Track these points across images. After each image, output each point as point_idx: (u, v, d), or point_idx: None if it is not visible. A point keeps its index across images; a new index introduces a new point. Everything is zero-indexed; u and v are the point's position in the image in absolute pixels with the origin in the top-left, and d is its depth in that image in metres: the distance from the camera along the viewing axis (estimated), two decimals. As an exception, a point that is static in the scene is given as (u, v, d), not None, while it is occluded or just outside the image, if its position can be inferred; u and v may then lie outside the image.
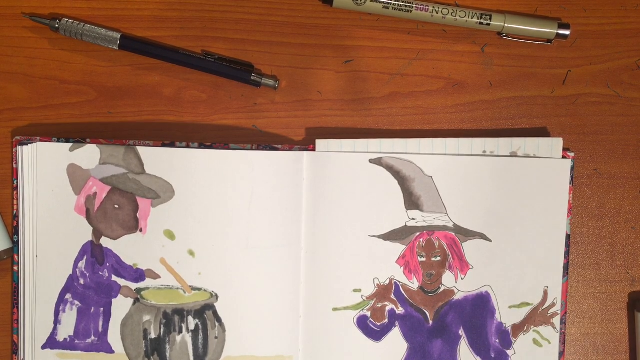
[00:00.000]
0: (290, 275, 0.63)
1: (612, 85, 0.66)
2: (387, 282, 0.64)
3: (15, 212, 0.63)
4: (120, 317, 0.63)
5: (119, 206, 0.63)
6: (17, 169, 0.63)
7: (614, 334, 0.67)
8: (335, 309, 0.63)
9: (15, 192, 0.63)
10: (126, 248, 0.63)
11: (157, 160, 0.63)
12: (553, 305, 0.64)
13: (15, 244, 0.63)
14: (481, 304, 0.64)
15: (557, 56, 0.66)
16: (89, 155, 0.63)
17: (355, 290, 0.64)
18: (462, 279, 0.64)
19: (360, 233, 0.63)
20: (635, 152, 0.66)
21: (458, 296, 0.64)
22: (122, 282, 0.63)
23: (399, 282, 0.64)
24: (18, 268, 0.63)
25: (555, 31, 0.65)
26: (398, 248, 0.64)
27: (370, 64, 0.66)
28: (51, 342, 0.63)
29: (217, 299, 0.63)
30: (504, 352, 0.64)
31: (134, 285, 0.63)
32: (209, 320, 0.63)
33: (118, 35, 0.64)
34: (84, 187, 0.63)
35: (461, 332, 0.64)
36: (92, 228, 0.63)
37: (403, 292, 0.64)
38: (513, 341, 0.64)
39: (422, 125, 0.66)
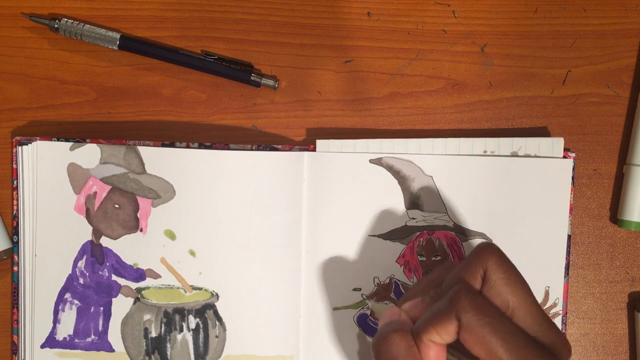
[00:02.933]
0: (290, 275, 0.63)
1: (612, 85, 0.66)
2: (387, 281, 0.64)
3: (15, 212, 0.63)
4: (121, 316, 0.63)
5: (119, 206, 0.63)
6: (16, 169, 0.63)
7: (614, 334, 0.67)
8: (335, 309, 0.63)
9: (15, 193, 0.63)
10: (126, 248, 0.63)
11: (158, 160, 0.63)
12: (555, 305, 0.64)
13: (15, 244, 0.63)
14: (482, 303, 0.64)
15: (557, 56, 0.66)
16: (89, 154, 0.63)
17: (355, 289, 0.64)
18: (462, 278, 0.64)
19: (361, 232, 0.63)
20: (635, 152, 0.66)
21: (459, 295, 0.64)
22: (122, 281, 0.63)
23: (399, 281, 0.64)
24: (18, 268, 0.63)
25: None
26: (398, 247, 0.64)
27: (370, 64, 0.66)
28: (50, 341, 0.63)
29: (217, 298, 0.63)
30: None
31: (134, 285, 0.63)
32: (209, 320, 0.63)
33: (118, 36, 0.64)
34: (84, 187, 0.63)
35: (462, 331, 0.64)
36: (91, 227, 0.63)
37: (403, 291, 0.64)
38: (514, 340, 0.64)
39: (422, 126, 0.66)
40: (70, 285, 0.63)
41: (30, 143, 0.63)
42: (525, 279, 0.49)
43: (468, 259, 0.49)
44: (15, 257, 0.63)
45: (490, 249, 0.48)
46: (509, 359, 0.44)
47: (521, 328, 0.46)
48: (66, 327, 0.63)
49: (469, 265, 0.48)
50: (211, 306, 0.63)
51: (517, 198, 0.63)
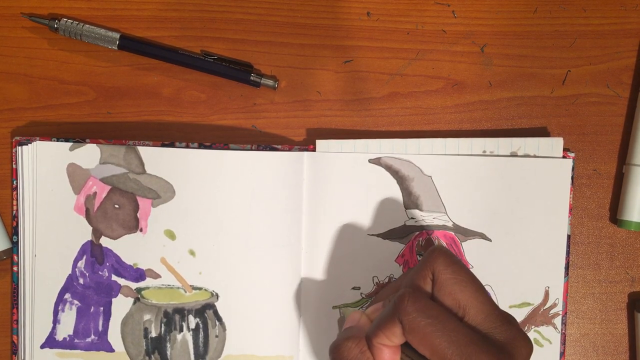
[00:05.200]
0: (290, 274, 0.63)
1: (612, 85, 0.66)
2: (387, 280, 0.64)
3: (14, 212, 0.63)
4: (121, 316, 0.63)
5: (119, 206, 0.63)
6: (16, 169, 0.63)
7: (613, 334, 0.67)
8: (335, 307, 0.63)
9: (14, 193, 0.63)
10: (126, 248, 0.63)
11: (157, 160, 0.63)
12: (554, 305, 0.64)
13: (15, 245, 0.63)
14: (481, 303, 0.64)
15: (556, 56, 0.66)
16: (89, 154, 0.63)
17: (354, 288, 0.64)
18: (462, 278, 0.64)
19: (360, 232, 0.63)
20: (635, 152, 0.66)
21: (458, 295, 0.64)
22: (122, 281, 0.63)
23: (399, 281, 0.64)
24: (17, 268, 0.63)
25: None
26: (397, 247, 0.64)
27: (369, 64, 0.66)
28: (50, 342, 0.63)
29: (217, 298, 0.63)
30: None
31: (134, 285, 0.63)
32: (209, 319, 0.63)
33: (117, 35, 0.64)
34: (83, 187, 0.63)
35: (461, 331, 0.64)
36: (91, 228, 0.63)
37: (403, 291, 0.64)
38: (513, 340, 0.64)
39: (422, 126, 0.66)
40: (70, 285, 0.63)
41: (30, 143, 0.63)
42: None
43: (419, 262, 0.50)
44: (15, 257, 0.63)
45: (437, 252, 0.49)
46: (453, 355, 0.44)
47: (473, 326, 0.47)
48: (66, 327, 0.63)
49: (419, 269, 0.49)
50: (211, 306, 0.63)
51: (516, 198, 0.63)
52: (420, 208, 0.64)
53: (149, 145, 0.63)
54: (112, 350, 0.63)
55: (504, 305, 0.64)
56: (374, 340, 0.47)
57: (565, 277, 0.64)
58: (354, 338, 0.49)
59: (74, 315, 0.63)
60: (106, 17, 0.65)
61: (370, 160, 0.63)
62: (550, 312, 0.64)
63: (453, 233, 0.64)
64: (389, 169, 0.63)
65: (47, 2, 0.65)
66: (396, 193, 0.64)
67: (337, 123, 0.66)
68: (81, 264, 0.63)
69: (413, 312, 0.46)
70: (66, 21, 0.64)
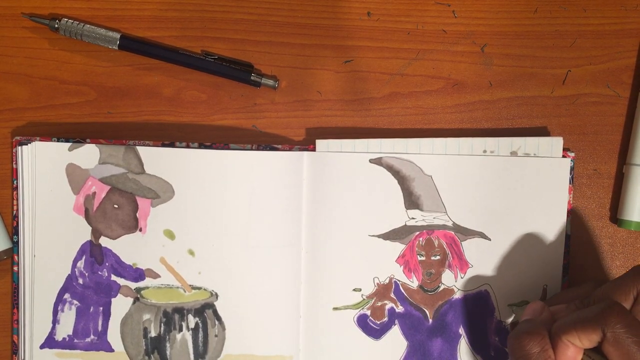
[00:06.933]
0: (290, 275, 0.63)
1: (612, 85, 0.66)
2: (387, 281, 0.64)
3: (15, 212, 0.63)
4: (120, 316, 0.63)
5: (119, 206, 0.63)
6: (16, 169, 0.63)
7: (614, 335, 0.67)
8: (335, 309, 0.63)
9: (15, 193, 0.63)
10: (126, 248, 0.63)
11: (157, 160, 0.63)
12: (553, 304, 0.64)
13: (15, 244, 0.63)
14: (481, 303, 0.64)
15: (557, 56, 0.66)
16: (88, 154, 0.63)
17: (355, 290, 0.64)
18: (461, 277, 0.64)
19: (360, 232, 0.63)
20: (635, 152, 0.66)
21: (458, 295, 0.64)
22: (121, 281, 0.63)
23: (399, 280, 0.64)
24: (18, 268, 0.63)
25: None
26: (398, 247, 0.64)
27: (370, 64, 0.66)
28: (49, 342, 0.63)
29: (217, 298, 0.63)
30: (503, 351, 0.64)
31: (133, 285, 0.63)
32: (208, 319, 0.63)
33: (118, 36, 0.64)
34: (82, 187, 0.63)
35: (461, 330, 0.64)
36: (91, 228, 0.63)
37: (403, 290, 0.64)
38: (513, 340, 0.64)
39: (422, 125, 0.66)
40: (69, 285, 0.63)
41: (30, 143, 0.63)
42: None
43: (621, 278, 0.51)
44: (16, 257, 0.63)
45: None
46: None
47: None
48: (65, 327, 0.63)
49: (621, 284, 0.51)
50: (210, 305, 0.63)
51: (516, 198, 0.63)
52: (421, 208, 0.64)
53: (149, 145, 0.63)
54: (112, 350, 0.63)
55: (503, 304, 0.64)
56: (565, 337, 0.49)
57: (564, 276, 0.64)
58: (537, 334, 0.50)
59: (74, 315, 0.63)
60: (106, 17, 0.65)
61: (371, 160, 0.63)
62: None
63: (453, 232, 0.64)
64: (390, 169, 0.63)
65: (48, 2, 0.65)
66: (397, 193, 0.64)
67: (338, 123, 0.66)
68: (80, 264, 0.63)
69: (621, 327, 0.47)
70: (67, 21, 0.64)
